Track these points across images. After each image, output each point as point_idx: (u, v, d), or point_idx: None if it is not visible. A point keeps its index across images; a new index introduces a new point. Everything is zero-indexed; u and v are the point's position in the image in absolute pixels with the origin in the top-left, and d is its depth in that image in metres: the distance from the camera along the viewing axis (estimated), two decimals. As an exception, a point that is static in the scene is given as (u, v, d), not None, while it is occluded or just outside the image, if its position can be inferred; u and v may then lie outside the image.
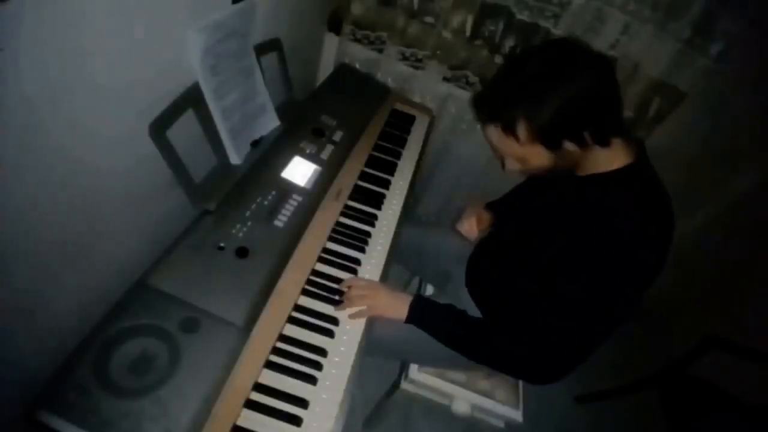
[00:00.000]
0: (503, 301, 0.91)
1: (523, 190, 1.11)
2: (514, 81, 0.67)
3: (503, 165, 0.78)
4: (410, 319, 0.83)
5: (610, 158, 0.71)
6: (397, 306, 0.84)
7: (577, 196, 0.75)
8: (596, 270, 0.67)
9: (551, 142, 0.67)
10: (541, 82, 0.64)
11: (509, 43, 1.38)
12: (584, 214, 0.72)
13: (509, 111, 0.66)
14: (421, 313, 0.84)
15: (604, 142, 0.69)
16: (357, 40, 1.45)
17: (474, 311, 0.94)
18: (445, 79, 1.49)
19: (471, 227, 1.10)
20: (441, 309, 0.85)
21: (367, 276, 0.91)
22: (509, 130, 0.67)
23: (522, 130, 0.66)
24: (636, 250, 0.66)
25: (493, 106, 0.69)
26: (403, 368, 1.05)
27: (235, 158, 0.88)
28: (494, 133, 0.70)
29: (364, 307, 0.83)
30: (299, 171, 0.95)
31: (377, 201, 1.06)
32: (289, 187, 0.91)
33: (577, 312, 0.69)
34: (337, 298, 0.85)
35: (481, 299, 0.96)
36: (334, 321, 0.82)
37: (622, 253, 0.66)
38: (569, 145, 0.67)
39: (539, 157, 0.70)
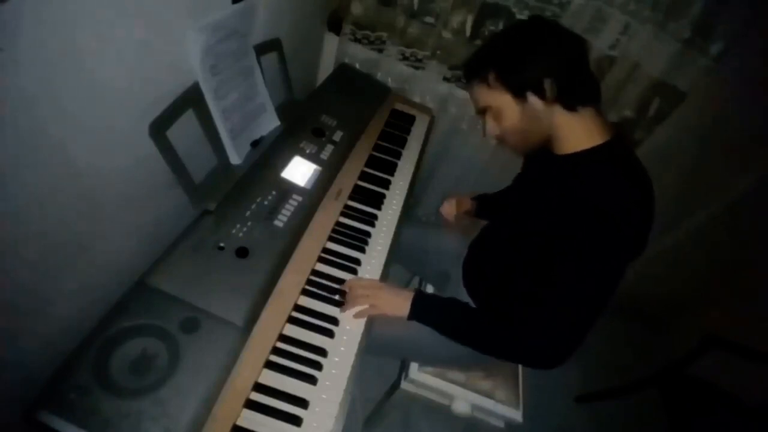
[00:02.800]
0: (501, 295, 0.91)
1: (512, 187, 1.12)
2: (493, 44, 0.81)
3: (484, 131, 0.83)
4: (413, 315, 0.84)
5: (585, 134, 0.74)
6: (399, 304, 0.84)
7: (558, 178, 0.77)
8: (587, 249, 0.69)
9: (516, 89, 0.73)
10: (514, 44, 0.74)
11: (509, 43, 1.38)
12: (566, 196, 0.73)
13: (485, 65, 0.76)
14: (424, 308, 0.84)
15: (569, 104, 0.73)
16: (357, 40, 1.45)
17: None
18: (445, 79, 1.49)
19: (450, 208, 1.20)
20: (443, 302, 0.86)
21: (367, 276, 0.91)
22: (482, 78, 0.76)
23: (492, 77, 0.75)
24: (621, 226, 0.67)
25: (473, 63, 0.79)
26: (403, 368, 1.05)
27: (235, 158, 0.88)
28: (473, 88, 0.80)
29: (366, 306, 0.83)
30: (299, 171, 0.95)
31: (377, 201, 1.06)
32: (289, 187, 0.91)
33: (575, 292, 0.70)
34: (337, 297, 0.85)
35: (480, 297, 0.96)
36: (334, 321, 0.82)
37: (609, 230, 0.68)
38: (533, 99, 0.73)
39: (510, 111, 0.76)
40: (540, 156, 0.82)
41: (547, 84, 0.71)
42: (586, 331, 0.72)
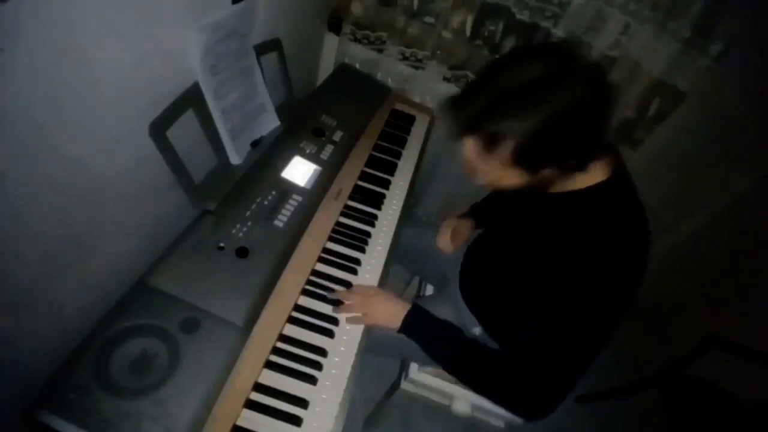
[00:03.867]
0: (494, 309, 0.89)
1: (503, 195, 0.99)
2: (501, 87, 0.57)
3: (470, 177, 0.70)
4: (403, 329, 0.83)
5: (586, 178, 0.67)
6: (392, 315, 0.83)
7: (553, 214, 0.72)
8: (583, 293, 0.64)
9: (532, 167, 0.61)
10: (530, 92, 0.56)
11: (509, 43, 1.38)
12: (562, 232, 0.68)
13: (495, 123, 0.57)
14: (415, 325, 0.83)
15: (584, 168, 0.64)
16: (357, 40, 1.45)
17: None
18: (445, 79, 1.49)
19: (446, 242, 1.10)
20: (435, 324, 0.82)
21: (367, 276, 0.91)
22: (492, 145, 0.58)
23: (504, 148, 0.58)
24: (618, 267, 0.63)
25: (476, 114, 0.58)
26: (403, 368, 1.05)
27: (235, 158, 0.88)
28: (471, 146, 0.62)
29: (359, 315, 0.83)
30: (299, 171, 0.95)
31: (377, 201, 1.06)
32: (289, 187, 0.91)
33: (571, 339, 0.65)
34: (335, 298, 0.85)
35: (474, 304, 0.94)
36: (334, 321, 0.82)
37: (606, 270, 0.63)
38: (548, 171, 0.62)
39: (514, 178, 0.63)
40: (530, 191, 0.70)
41: (571, 162, 0.61)
42: (578, 378, 0.66)
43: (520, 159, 0.59)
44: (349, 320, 0.83)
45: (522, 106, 0.56)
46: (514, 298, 0.82)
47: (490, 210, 1.12)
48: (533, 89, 0.56)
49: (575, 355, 0.66)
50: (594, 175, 0.67)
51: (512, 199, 0.84)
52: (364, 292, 0.85)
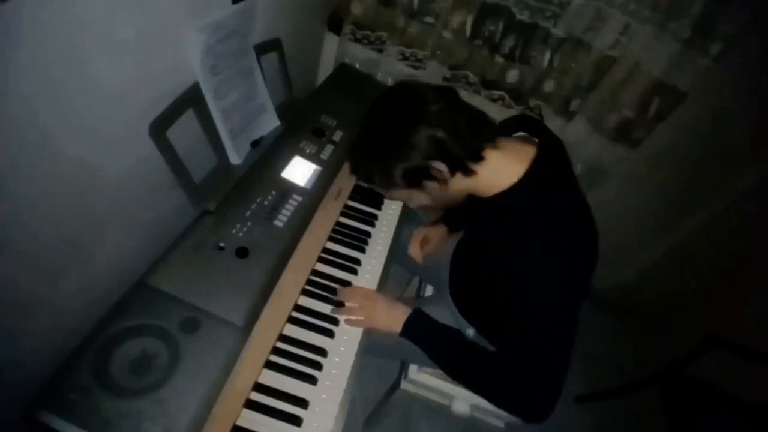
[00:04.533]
0: (479, 312, 0.89)
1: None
2: (362, 143, 0.71)
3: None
4: (404, 333, 0.83)
5: (502, 173, 0.68)
6: (392, 319, 0.83)
7: (493, 220, 0.73)
8: (534, 293, 0.64)
9: (408, 184, 0.68)
10: (382, 140, 0.67)
11: (509, 43, 1.38)
12: (503, 242, 0.69)
13: (366, 171, 0.71)
14: (416, 329, 0.83)
15: (467, 171, 0.66)
16: (357, 40, 1.45)
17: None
18: (445, 79, 1.49)
19: (416, 251, 1.10)
20: (437, 328, 0.82)
21: (367, 276, 0.91)
22: (371, 182, 0.72)
23: (378, 180, 0.70)
24: (557, 258, 0.63)
25: (354, 166, 0.74)
26: (403, 368, 1.05)
27: (235, 158, 0.88)
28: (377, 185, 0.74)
29: (361, 318, 0.83)
30: (299, 171, 0.95)
31: (377, 201, 1.06)
32: (289, 187, 0.91)
33: (544, 338, 0.66)
34: (335, 298, 0.85)
35: (462, 307, 0.94)
36: (334, 321, 0.82)
37: (545, 266, 0.63)
38: (431, 185, 0.68)
39: (416, 197, 0.73)
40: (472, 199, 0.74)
41: (435, 168, 0.65)
42: (564, 374, 0.67)
43: (391, 183, 0.69)
44: (351, 323, 0.82)
45: (370, 151, 0.69)
46: (490, 303, 0.81)
47: (460, 216, 1.10)
48: (373, 137, 0.69)
49: (553, 351, 0.67)
50: (511, 168, 0.68)
51: (469, 207, 0.83)
52: (365, 294, 0.85)
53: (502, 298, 0.70)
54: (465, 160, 0.66)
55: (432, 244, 1.11)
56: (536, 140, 0.73)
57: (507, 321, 0.71)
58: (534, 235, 0.64)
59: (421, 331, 0.83)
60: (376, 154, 0.68)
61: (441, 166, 0.65)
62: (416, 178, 0.67)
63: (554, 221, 0.65)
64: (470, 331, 0.93)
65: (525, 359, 0.68)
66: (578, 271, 0.66)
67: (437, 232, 1.12)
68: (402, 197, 0.76)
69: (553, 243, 0.64)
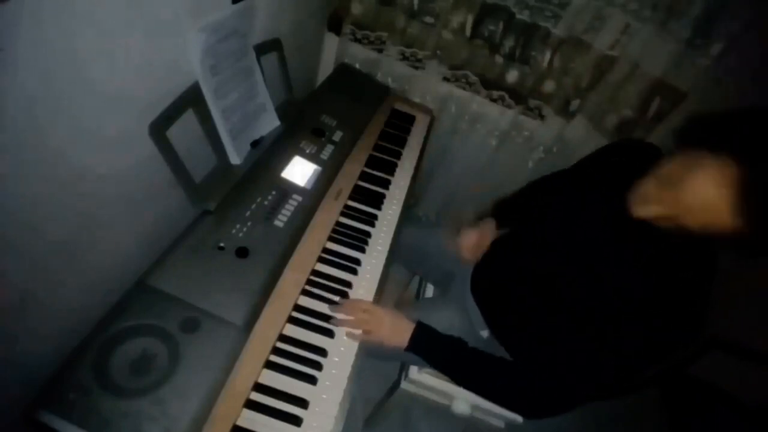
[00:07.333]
0: (509, 313, 0.87)
1: (552, 202, 0.92)
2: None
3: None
4: (411, 347, 0.82)
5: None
6: (398, 334, 0.82)
7: (646, 245, 0.68)
8: (646, 332, 0.63)
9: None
10: None
11: (509, 43, 1.37)
12: (654, 267, 0.66)
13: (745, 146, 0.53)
14: (424, 343, 0.82)
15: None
16: (357, 40, 1.45)
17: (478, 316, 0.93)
18: (445, 79, 1.49)
19: (471, 254, 1.00)
20: (444, 341, 0.82)
21: (367, 276, 0.91)
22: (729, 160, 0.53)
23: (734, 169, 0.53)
24: (692, 317, 0.63)
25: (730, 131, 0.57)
26: (403, 368, 1.05)
27: (235, 158, 0.88)
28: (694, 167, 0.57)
29: (360, 332, 0.81)
30: (299, 171, 0.95)
31: (377, 201, 1.06)
32: (289, 187, 0.91)
33: (613, 360, 0.64)
34: (337, 299, 0.84)
35: (487, 307, 0.92)
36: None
37: (683, 318, 0.63)
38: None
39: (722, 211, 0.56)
40: (620, 214, 0.67)
41: None
42: (584, 403, 0.66)
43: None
44: (352, 337, 0.81)
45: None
46: (538, 308, 0.80)
47: (519, 208, 1.05)
48: None
49: (597, 383, 0.65)
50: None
51: (587, 215, 0.78)
52: (366, 308, 0.83)
53: (594, 317, 0.66)
54: None
55: (485, 244, 1.01)
56: None
57: (576, 337, 0.68)
58: (696, 285, 0.63)
59: (429, 345, 0.83)
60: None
61: None
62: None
63: (708, 286, 0.65)
64: (484, 333, 0.92)
65: (564, 374, 0.67)
66: (680, 345, 0.65)
67: (489, 233, 1.02)
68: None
69: (701, 302, 0.64)
